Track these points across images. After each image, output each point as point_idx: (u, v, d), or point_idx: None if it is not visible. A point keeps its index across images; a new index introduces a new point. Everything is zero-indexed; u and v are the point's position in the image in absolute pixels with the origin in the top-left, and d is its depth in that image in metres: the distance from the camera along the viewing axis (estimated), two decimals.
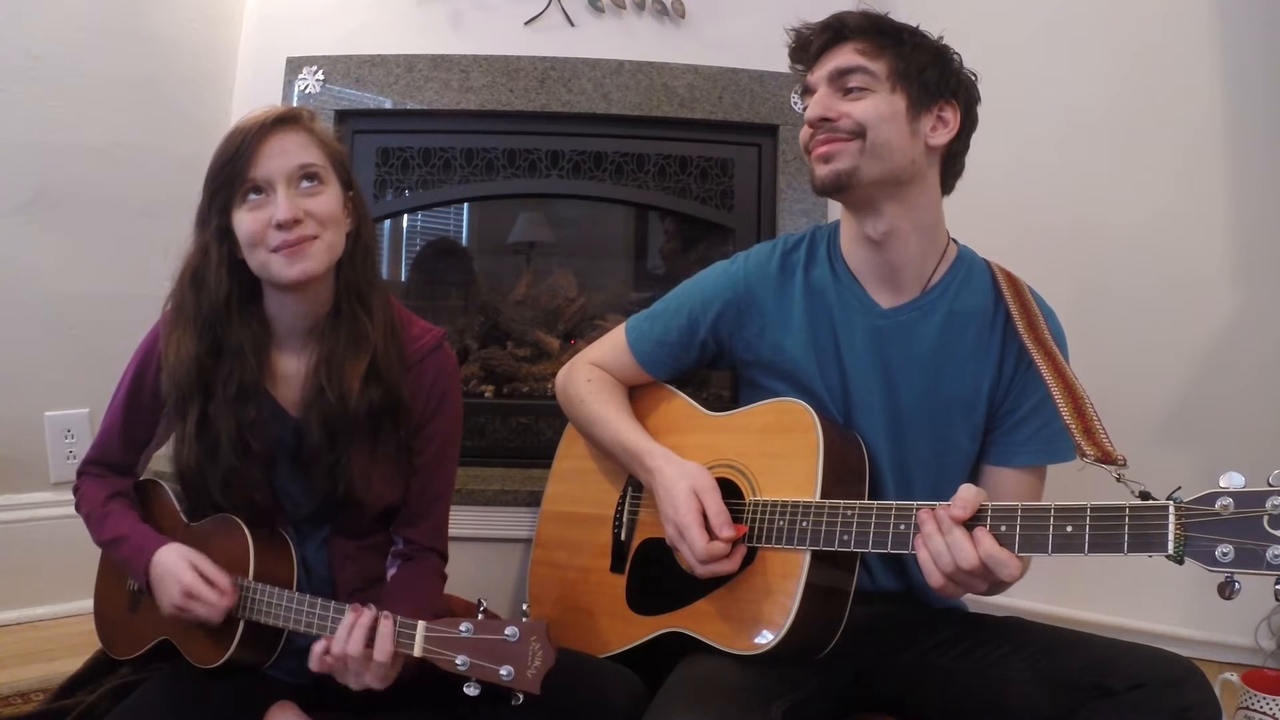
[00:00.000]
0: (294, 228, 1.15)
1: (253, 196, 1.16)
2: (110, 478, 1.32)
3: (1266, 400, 1.82)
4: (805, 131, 1.25)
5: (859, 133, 1.19)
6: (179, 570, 1.17)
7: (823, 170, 1.22)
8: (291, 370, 1.26)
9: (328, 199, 1.19)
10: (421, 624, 1.07)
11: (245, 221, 1.16)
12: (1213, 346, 1.86)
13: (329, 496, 1.24)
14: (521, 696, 1.03)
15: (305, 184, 1.17)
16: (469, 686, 1.04)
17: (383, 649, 1.08)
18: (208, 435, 1.20)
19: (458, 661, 1.04)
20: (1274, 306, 1.82)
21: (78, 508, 1.31)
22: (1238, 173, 1.85)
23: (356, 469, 1.23)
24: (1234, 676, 1.52)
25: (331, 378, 1.21)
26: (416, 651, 1.07)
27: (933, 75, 1.21)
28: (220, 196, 1.17)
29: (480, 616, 1.06)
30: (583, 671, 1.24)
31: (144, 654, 1.30)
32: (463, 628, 1.05)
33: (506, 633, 1.03)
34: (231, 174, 1.16)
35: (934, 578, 1.03)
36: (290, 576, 1.24)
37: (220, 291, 1.19)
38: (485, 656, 1.03)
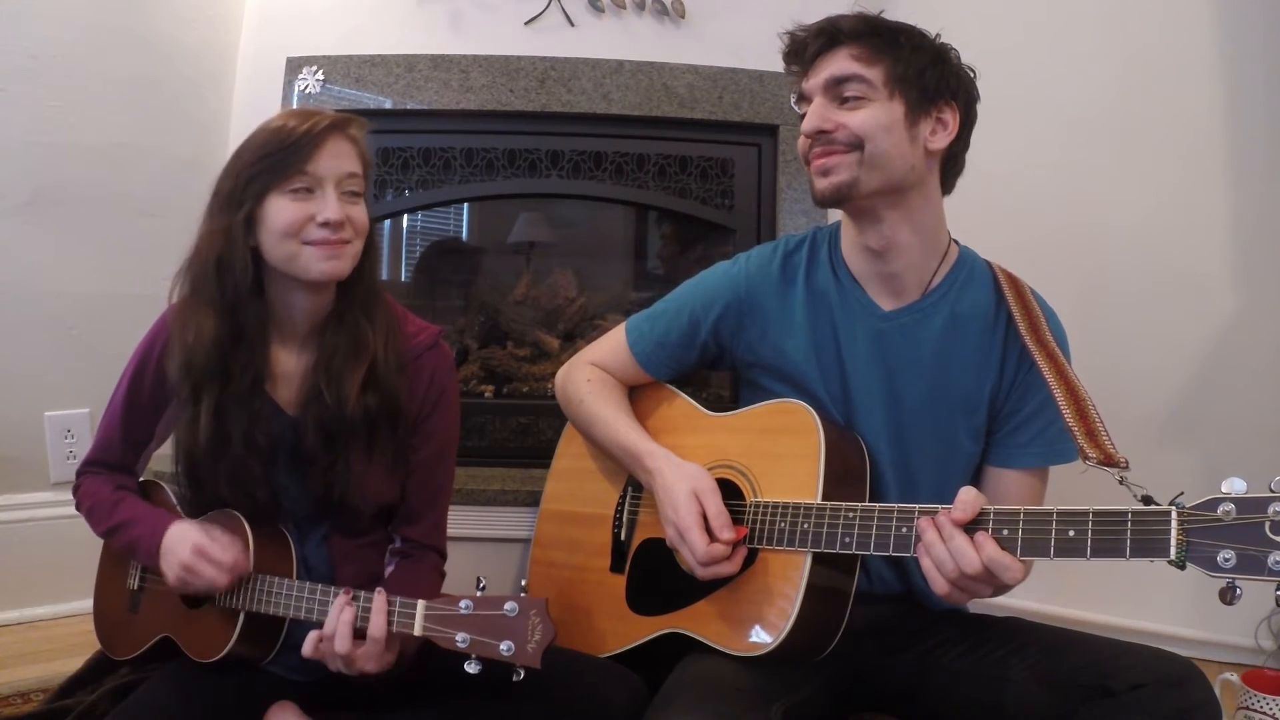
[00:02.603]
0: (339, 229, 1.16)
1: (299, 189, 1.16)
2: (113, 475, 1.32)
3: (1268, 401, 1.82)
4: (803, 142, 1.24)
5: (857, 144, 1.18)
6: (192, 535, 1.17)
7: (822, 183, 1.21)
8: (289, 369, 1.26)
9: (363, 210, 1.22)
10: (421, 603, 1.08)
11: (286, 210, 1.15)
12: (1214, 347, 1.87)
13: (324, 498, 1.24)
14: (523, 672, 1.03)
15: (349, 194, 1.19)
16: (470, 664, 1.04)
17: (377, 624, 1.08)
18: (222, 422, 1.19)
19: (458, 639, 1.04)
20: (1274, 307, 1.82)
21: (78, 506, 1.31)
22: (1238, 173, 1.85)
23: (352, 474, 1.23)
24: (1234, 676, 1.53)
25: (330, 381, 1.22)
26: (417, 630, 1.07)
27: (931, 77, 1.20)
28: (260, 180, 1.15)
29: (479, 594, 1.06)
30: (583, 671, 1.24)
31: (144, 654, 1.30)
32: (462, 605, 1.05)
33: (506, 608, 1.03)
34: (284, 161, 1.15)
35: (939, 584, 1.02)
36: (290, 572, 1.23)
37: (246, 277, 1.18)
38: (485, 633, 1.03)
